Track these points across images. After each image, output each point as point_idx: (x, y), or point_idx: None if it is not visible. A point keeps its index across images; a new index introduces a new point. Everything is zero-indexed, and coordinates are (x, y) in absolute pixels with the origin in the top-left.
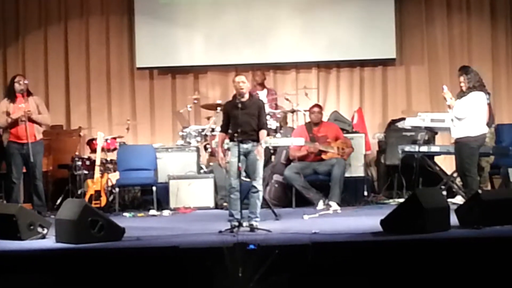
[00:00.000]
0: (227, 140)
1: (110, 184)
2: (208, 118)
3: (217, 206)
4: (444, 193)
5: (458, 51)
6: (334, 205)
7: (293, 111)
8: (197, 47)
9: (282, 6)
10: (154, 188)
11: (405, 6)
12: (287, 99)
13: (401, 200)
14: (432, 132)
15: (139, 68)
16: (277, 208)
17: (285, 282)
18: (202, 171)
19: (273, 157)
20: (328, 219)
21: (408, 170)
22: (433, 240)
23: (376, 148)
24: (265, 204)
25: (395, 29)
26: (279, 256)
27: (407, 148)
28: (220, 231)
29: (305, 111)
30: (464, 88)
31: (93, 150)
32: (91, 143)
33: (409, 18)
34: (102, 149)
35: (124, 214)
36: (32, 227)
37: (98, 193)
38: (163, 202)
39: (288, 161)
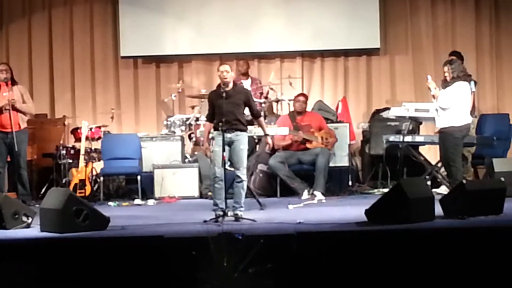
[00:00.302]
0: (212, 129)
1: (94, 173)
2: (193, 107)
3: (201, 196)
4: (429, 183)
5: (442, 41)
6: (318, 195)
7: (277, 101)
8: (181, 36)
9: None
10: (138, 177)
11: None
12: (271, 88)
13: (386, 190)
14: (416, 122)
15: (123, 57)
16: (261, 197)
17: (269, 272)
18: (186, 160)
19: (257, 146)
20: (312, 209)
21: (393, 160)
22: (417, 230)
23: (360, 138)
24: (250, 193)
25: (379, 18)
26: (263, 245)
27: (392, 138)
28: (205, 221)
29: (289, 100)
30: (448, 78)
31: (78, 139)
32: (75, 132)
33: (394, 8)
34: (87, 138)
35: (109, 203)
36: (16, 216)
37: (82, 182)
38: (147, 191)
39: (273, 150)
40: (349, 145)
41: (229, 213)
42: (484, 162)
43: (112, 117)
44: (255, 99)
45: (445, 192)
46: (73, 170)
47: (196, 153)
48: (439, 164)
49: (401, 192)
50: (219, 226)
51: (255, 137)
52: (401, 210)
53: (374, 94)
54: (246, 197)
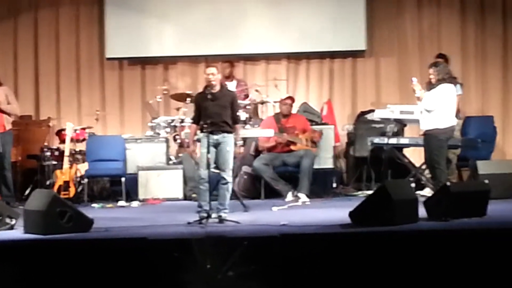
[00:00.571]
0: (198, 131)
1: (79, 174)
2: (178, 109)
3: (186, 197)
4: (413, 185)
5: (427, 44)
6: (303, 197)
7: (262, 103)
8: (167, 38)
9: None
10: (123, 179)
11: None
12: (256, 90)
13: (370, 192)
14: (401, 124)
15: (108, 59)
16: (246, 199)
17: (253, 274)
18: (171, 162)
19: (242, 148)
20: (297, 211)
21: (377, 162)
22: (401, 232)
23: (345, 140)
24: (234, 195)
25: (365, 21)
26: (247, 247)
27: (376, 140)
28: (189, 223)
29: (274, 102)
30: (433, 81)
31: (62, 141)
32: (60, 133)
33: (379, 10)
34: (71, 140)
35: (93, 205)
36: (0, 218)
37: (67, 184)
38: (132, 193)
39: (257, 152)
40: (334, 147)
41: (213, 215)
42: (468, 164)
43: (97, 119)
44: (239, 101)
45: (429, 194)
46: (58, 171)
47: (180, 155)
48: (424, 166)
49: (386, 194)
50: (203, 228)
51: (239, 138)
52: (385, 212)
53: (359, 96)
54: (230, 199)
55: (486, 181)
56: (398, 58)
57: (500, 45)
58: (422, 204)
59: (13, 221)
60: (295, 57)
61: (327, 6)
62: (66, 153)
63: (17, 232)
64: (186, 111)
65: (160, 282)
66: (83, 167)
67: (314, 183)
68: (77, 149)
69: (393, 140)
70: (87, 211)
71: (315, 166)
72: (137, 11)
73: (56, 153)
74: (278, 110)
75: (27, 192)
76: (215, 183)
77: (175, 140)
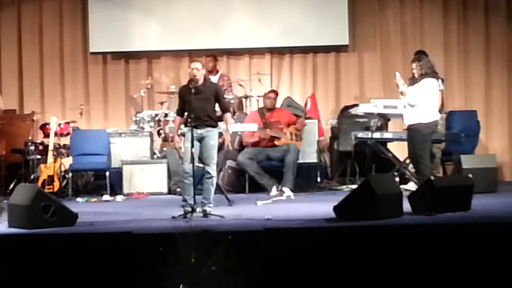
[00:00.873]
0: (182, 125)
1: (63, 169)
2: (162, 103)
3: (170, 192)
4: (397, 179)
5: (410, 38)
6: (287, 191)
7: (246, 97)
8: (150, 33)
9: None
10: (107, 173)
11: None
12: (240, 85)
13: (354, 186)
14: (384, 119)
15: (92, 53)
16: (230, 193)
17: (237, 268)
18: (155, 156)
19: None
20: (281, 205)
21: (361, 156)
22: (385, 226)
23: (329, 134)
24: (218, 189)
25: (347, 15)
26: (232, 242)
27: (360, 135)
28: (173, 217)
29: (258, 96)
30: (416, 75)
31: (46, 135)
32: (44, 127)
33: (362, 5)
34: (55, 134)
35: (77, 199)
36: None
37: (51, 178)
38: (116, 187)
39: (241, 146)
40: (318, 141)
41: (198, 209)
42: (452, 159)
43: (81, 113)
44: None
45: (413, 189)
46: (42, 166)
47: (165, 149)
48: (407, 161)
49: (370, 189)
50: (187, 222)
51: (224, 133)
52: (369, 206)
53: (343, 90)
54: (214, 193)
55: (470, 175)
56: (381, 53)
57: (482, 40)
58: (406, 198)
59: None
60: (278, 52)
61: (310, 1)
62: (50, 147)
63: (1, 226)
64: (170, 105)
65: (144, 276)
66: (67, 161)
67: (298, 177)
68: (61, 143)
69: (376, 135)
70: (71, 205)
71: (299, 161)
72: (121, 5)
73: (40, 147)
74: (262, 105)
75: (11, 186)
76: (200, 177)
77: (159, 134)
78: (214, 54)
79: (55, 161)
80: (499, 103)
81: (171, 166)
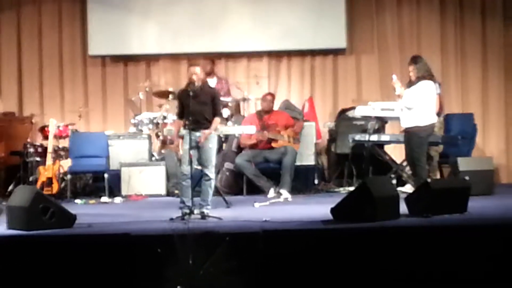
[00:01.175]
0: (182, 128)
1: (62, 171)
2: (160, 106)
3: (168, 194)
4: (394, 181)
5: (407, 41)
6: (284, 193)
7: (244, 100)
8: (149, 35)
9: None
10: (106, 175)
11: None
12: (238, 88)
13: (351, 188)
14: (382, 121)
15: (91, 56)
16: (228, 196)
17: (235, 270)
18: (153, 158)
19: (224, 145)
20: (278, 207)
21: (358, 159)
22: (382, 228)
23: (326, 136)
24: (216, 191)
25: (345, 18)
26: (229, 243)
27: (357, 137)
28: (171, 219)
29: (256, 99)
30: (413, 78)
31: (45, 137)
32: (43, 130)
33: (359, 8)
34: (54, 136)
35: (76, 201)
36: None
37: (50, 180)
38: (114, 189)
39: (239, 149)
40: (315, 144)
41: (196, 211)
42: (449, 161)
43: (80, 116)
44: (221, 98)
45: (410, 191)
46: (41, 168)
47: (163, 151)
48: (404, 163)
49: (367, 191)
50: (185, 224)
51: (221, 135)
52: (366, 208)
53: (341, 93)
54: (212, 195)
55: (467, 178)
56: (378, 56)
57: (479, 43)
58: (403, 200)
59: None
60: (276, 55)
61: (307, 4)
62: (49, 149)
63: (0, 228)
64: (169, 108)
65: (143, 277)
66: (66, 164)
67: (295, 179)
68: (60, 146)
69: (374, 137)
70: (70, 207)
71: (297, 163)
72: (120, 8)
73: (39, 149)
74: (260, 107)
75: (10, 188)
76: (198, 179)
77: (157, 136)
78: (211, 57)
79: (54, 163)
80: (496, 106)
81: (169, 168)
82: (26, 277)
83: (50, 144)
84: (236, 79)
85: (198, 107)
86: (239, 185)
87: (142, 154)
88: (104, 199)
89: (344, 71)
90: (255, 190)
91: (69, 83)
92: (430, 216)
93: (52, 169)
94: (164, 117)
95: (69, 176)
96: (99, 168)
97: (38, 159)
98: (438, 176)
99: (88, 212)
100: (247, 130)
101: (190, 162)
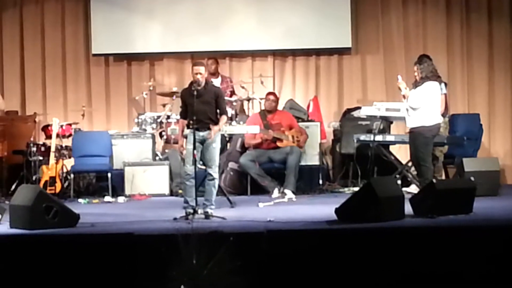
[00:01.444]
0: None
1: (65, 170)
2: (164, 105)
3: (172, 193)
4: (399, 182)
5: (413, 41)
6: (289, 193)
7: (248, 99)
8: (153, 34)
9: None
10: (109, 175)
11: None
12: (242, 87)
13: (356, 188)
14: (387, 122)
15: (94, 55)
16: (232, 195)
17: (239, 270)
18: (157, 158)
19: (228, 144)
20: (283, 207)
21: (363, 159)
22: (387, 229)
23: (331, 136)
24: (220, 191)
25: (350, 18)
26: (233, 243)
27: (362, 137)
28: (175, 218)
29: (260, 99)
30: (417, 78)
31: (48, 136)
32: (46, 129)
33: (365, 7)
34: (57, 135)
35: (79, 200)
36: None
37: (53, 179)
38: (118, 188)
39: (243, 148)
40: (320, 144)
41: (200, 211)
42: (454, 162)
43: (83, 115)
44: (226, 98)
45: (415, 191)
46: (44, 167)
47: (166, 150)
48: (409, 164)
49: (371, 191)
50: (189, 223)
51: (226, 135)
52: (371, 209)
53: (345, 93)
54: (216, 195)
55: (472, 179)
56: (384, 56)
57: (485, 43)
58: (408, 201)
59: None
60: (281, 54)
61: (313, 4)
62: (52, 148)
63: (3, 227)
64: (172, 107)
65: (146, 277)
66: (69, 163)
67: (300, 179)
68: (63, 145)
69: (379, 137)
70: (73, 207)
71: (301, 163)
72: (123, 7)
73: (42, 148)
74: (263, 107)
75: (13, 187)
76: (202, 179)
77: (161, 136)
78: (215, 57)
79: (57, 163)
80: (502, 107)
81: (173, 167)
82: (29, 277)
83: (53, 143)
84: (240, 79)
85: (202, 107)
86: (243, 185)
87: (145, 154)
88: (108, 198)
89: (349, 71)
90: (259, 190)
91: (72, 82)
92: (435, 217)
93: (55, 168)
94: (168, 117)
95: (72, 175)
96: (102, 168)
97: (41, 158)
98: (443, 177)
99: (91, 212)
100: (251, 130)
101: (194, 162)
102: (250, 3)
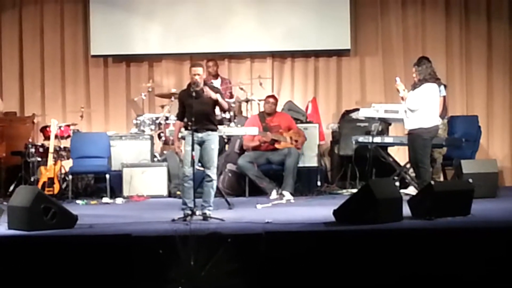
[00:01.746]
0: (182, 129)
1: (63, 171)
2: (162, 107)
3: (170, 195)
4: (397, 184)
5: (412, 43)
6: (287, 195)
7: (247, 101)
8: (152, 36)
9: None
10: (107, 176)
11: None
12: (241, 89)
13: (354, 190)
14: (385, 123)
15: (93, 56)
16: (230, 197)
17: (237, 271)
18: (155, 159)
19: (226, 146)
20: (281, 209)
21: (362, 160)
22: (385, 230)
23: (330, 138)
24: (218, 193)
25: (349, 19)
26: (231, 245)
27: (361, 139)
28: (173, 220)
29: (259, 100)
30: (415, 80)
31: (47, 137)
32: (44, 130)
33: (364, 9)
34: (56, 136)
35: (77, 201)
36: None
37: (51, 180)
38: (116, 190)
39: (242, 150)
40: (319, 145)
41: (198, 212)
42: (453, 164)
43: (81, 116)
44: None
45: (413, 193)
46: (42, 168)
47: (165, 152)
48: (408, 165)
49: (370, 193)
50: (187, 225)
51: (224, 136)
52: (369, 210)
53: (344, 95)
54: (215, 196)
55: (470, 180)
56: (382, 57)
57: (484, 45)
58: (406, 202)
59: None
60: (280, 56)
61: (312, 5)
62: (51, 149)
63: (1, 228)
64: (171, 109)
65: (144, 278)
66: (67, 164)
67: (298, 181)
68: (62, 146)
69: (377, 139)
70: (71, 208)
71: (300, 165)
72: (122, 8)
73: (41, 149)
74: (263, 109)
75: (11, 188)
76: (200, 180)
77: (159, 137)
78: (214, 59)
79: (55, 164)
80: (501, 109)
81: (171, 169)
82: (27, 278)
83: (52, 144)
84: (239, 80)
85: (200, 108)
86: (241, 186)
87: (144, 155)
88: (106, 199)
89: (348, 73)
90: (258, 191)
91: (71, 83)
92: (433, 219)
93: (53, 169)
94: (167, 118)
95: (70, 177)
96: (100, 169)
97: (39, 159)
98: (441, 179)
99: (89, 213)
100: (249, 131)
101: (192, 163)
102: (249, 4)
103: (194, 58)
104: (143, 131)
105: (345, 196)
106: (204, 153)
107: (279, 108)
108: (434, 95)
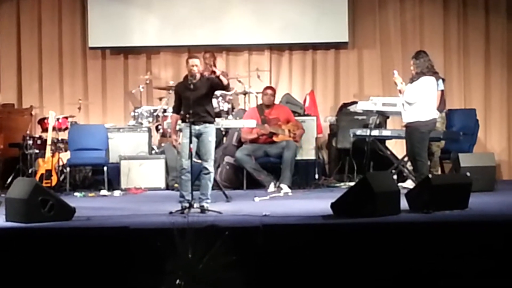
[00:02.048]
0: (180, 121)
1: (61, 163)
2: (160, 99)
3: (168, 187)
4: (395, 177)
5: (410, 36)
6: (285, 188)
7: (245, 93)
8: (150, 28)
9: None
10: (105, 168)
11: None
12: (239, 81)
13: (352, 183)
14: (383, 116)
15: (91, 48)
16: (228, 190)
17: (234, 264)
18: (153, 151)
19: (224, 138)
20: (279, 202)
21: (359, 153)
22: (383, 224)
23: (327, 131)
24: (216, 185)
25: (347, 12)
26: (229, 237)
27: (359, 132)
28: (171, 212)
29: (257, 93)
30: (413, 73)
31: (45, 129)
32: (42, 122)
33: (362, 2)
34: (54, 129)
35: (75, 193)
36: None
37: (49, 173)
38: (114, 182)
39: (240, 143)
40: (316, 138)
41: (195, 205)
42: (450, 157)
43: (79, 108)
44: (223, 92)
45: (411, 187)
46: (40, 160)
47: (163, 144)
48: (406, 159)
49: (367, 186)
50: (185, 217)
51: (222, 129)
52: (367, 203)
53: (342, 87)
54: (212, 189)
55: (468, 174)
56: (380, 50)
57: (482, 38)
58: (403, 196)
59: None
60: (277, 48)
61: None
62: (49, 141)
63: None
64: (169, 101)
65: (142, 271)
66: (65, 156)
67: (296, 174)
68: (60, 138)
69: (375, 132)
70: (69, 200)
71: (297, 157)
72: (120, 0)
73: (38, 141)
74: (261, 101)
75: (9, 180)
76: (197, 173)
77: (157, 130)
78: (211, 51)
79: (53, 156)
80: (499, 102)
81: (169, 161)
82: (25, 270)
83: (49, 136)
84: (237, 73)
85: (198, 100)
86: (239, 179)
87: (141, 147)
88: (103, 192)
89: (346, 66)
90: (255, 184)
91: (68, 76)
92: (431, 212)
93: (51, 161)
94: (164, 110)
95: (68, 169)
96: (98, 161)
97: (37, 151)
98: (439, 172)
99: (87, 205)
100: (247, 124)
101: (190, 156)
102: None
103: (192, 51)
104: (141, 123)
105: (342, 189)
106: (202, 146)
107: (277, 101)
108: (432, 88)
